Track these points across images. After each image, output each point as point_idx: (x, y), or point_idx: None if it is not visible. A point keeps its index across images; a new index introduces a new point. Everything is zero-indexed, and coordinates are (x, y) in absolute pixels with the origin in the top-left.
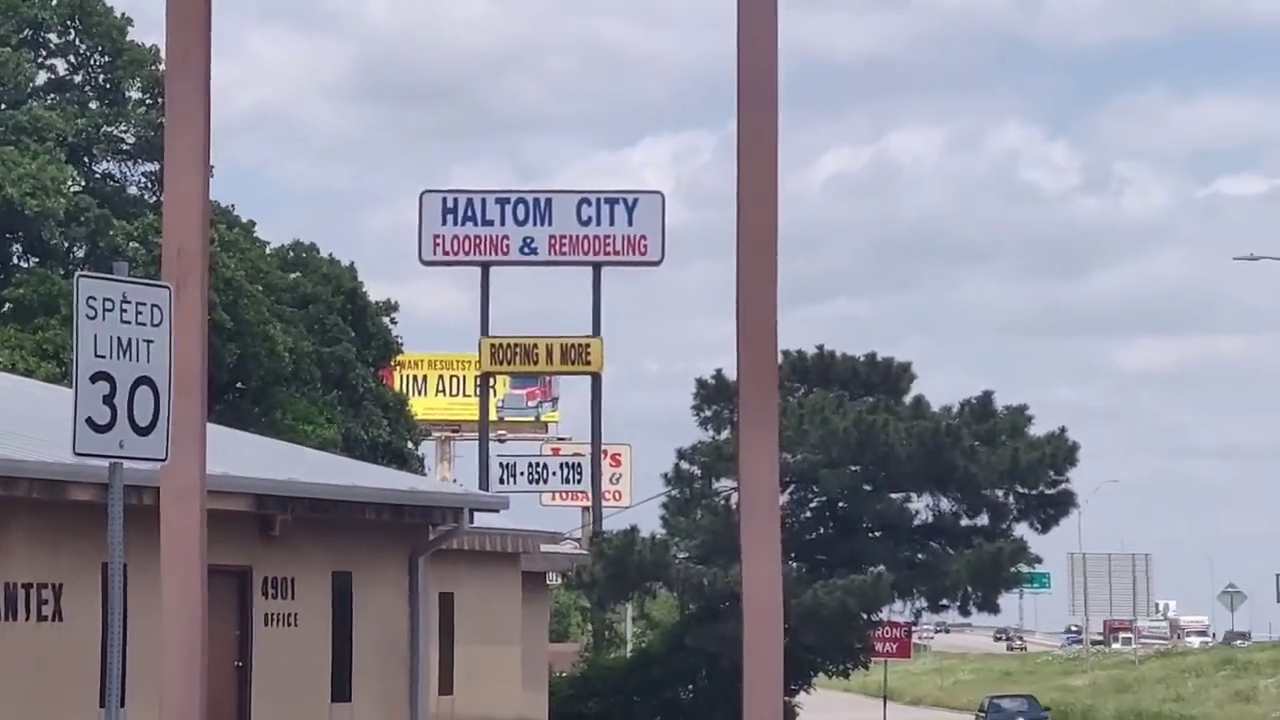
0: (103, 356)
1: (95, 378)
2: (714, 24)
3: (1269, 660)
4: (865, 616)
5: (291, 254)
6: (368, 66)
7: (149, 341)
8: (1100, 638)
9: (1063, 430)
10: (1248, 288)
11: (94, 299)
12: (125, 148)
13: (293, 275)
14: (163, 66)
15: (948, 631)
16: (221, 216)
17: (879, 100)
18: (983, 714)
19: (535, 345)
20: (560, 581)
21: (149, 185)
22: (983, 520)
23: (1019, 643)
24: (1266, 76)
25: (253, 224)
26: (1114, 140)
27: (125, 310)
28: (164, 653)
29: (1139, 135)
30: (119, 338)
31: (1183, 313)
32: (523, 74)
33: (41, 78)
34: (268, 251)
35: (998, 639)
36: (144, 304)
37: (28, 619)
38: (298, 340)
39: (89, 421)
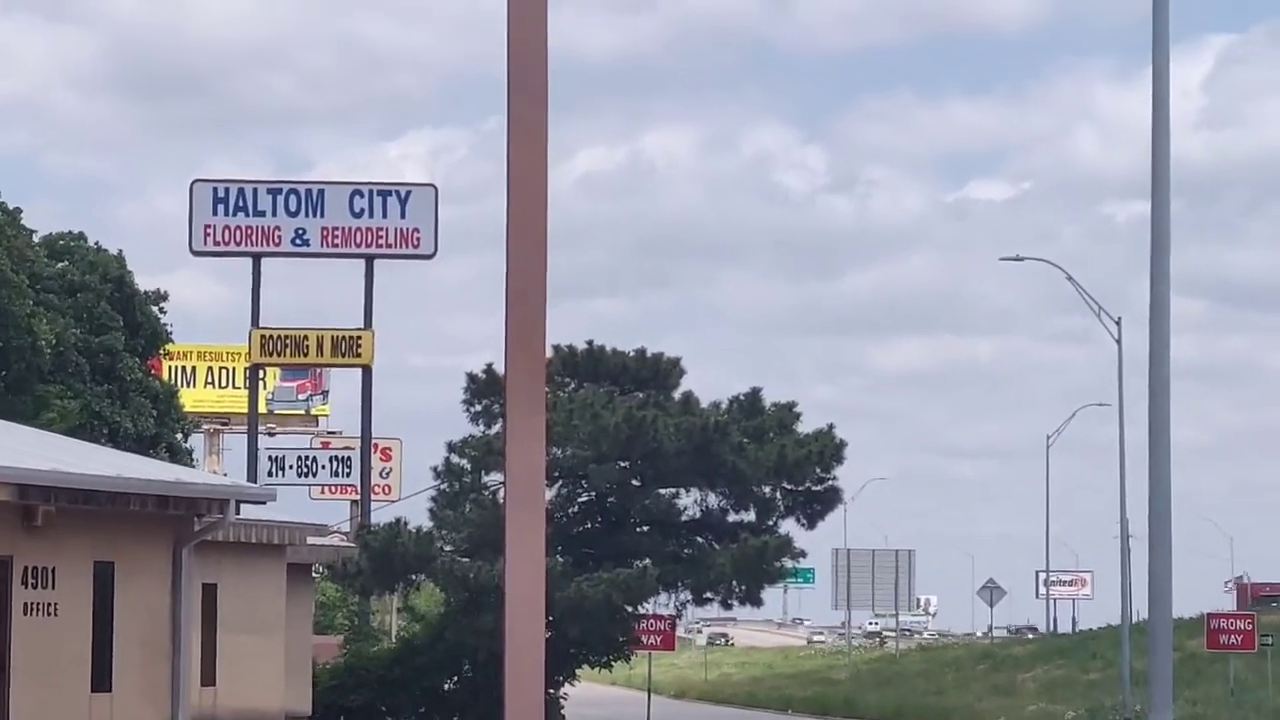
0: None
1: None
2: (467, 22)
3: (1027, 655)
4: (630, 609)
5: (60, 243)
6: (117, 59)
7: None
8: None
9: (830, 428)
10: (997, 290)
11: None
12: None
13: (59, 264)
14: None
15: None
16: None
17: (632, 100)
18: None
19: (306, 337)
20: (325, 574)
21: None
22: (750, 516)
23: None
24: (1009, 82)
25: (19, 211)
26: (864, 143)
27: None
28: None
29: (888, 138)
30: None
31: (935, 314)
32: (275, 69)
33: None
34: (34, 240)
35: (812, 641)
36: None
37: None
38: (65, 330)
39: None
